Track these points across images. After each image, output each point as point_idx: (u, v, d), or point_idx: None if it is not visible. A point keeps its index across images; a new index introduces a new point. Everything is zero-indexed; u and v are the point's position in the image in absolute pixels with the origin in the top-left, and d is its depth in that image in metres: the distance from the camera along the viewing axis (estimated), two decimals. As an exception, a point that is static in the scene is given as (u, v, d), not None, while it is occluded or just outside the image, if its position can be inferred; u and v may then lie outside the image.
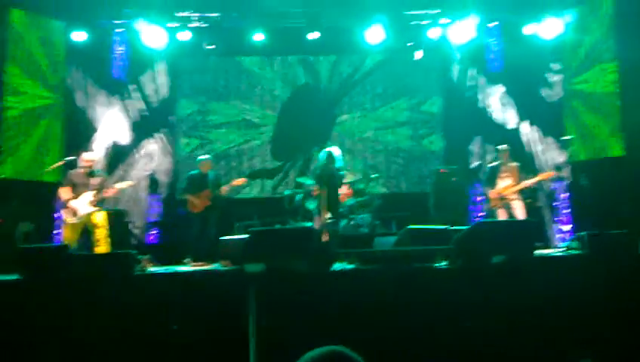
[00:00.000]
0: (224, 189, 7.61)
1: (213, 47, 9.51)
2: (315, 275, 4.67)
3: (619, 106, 8.72)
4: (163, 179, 9.80)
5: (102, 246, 6.84)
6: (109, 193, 7.03)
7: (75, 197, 6.90)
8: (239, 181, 7.86)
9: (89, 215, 6.89)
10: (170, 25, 8.97)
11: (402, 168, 10.68)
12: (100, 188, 6.96)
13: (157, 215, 9.36)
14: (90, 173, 7.07)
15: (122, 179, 8.68)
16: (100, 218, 6.98)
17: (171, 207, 9.46)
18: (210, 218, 7.59)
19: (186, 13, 9.00)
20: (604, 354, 4.35)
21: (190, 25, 9.10)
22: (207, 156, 8.06)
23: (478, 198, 9.25)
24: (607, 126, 8.83)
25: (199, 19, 9.07)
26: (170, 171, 9.96)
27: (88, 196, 6.91)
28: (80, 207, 6.86)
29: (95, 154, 7.77)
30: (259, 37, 9.22)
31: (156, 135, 9.97)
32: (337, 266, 5.03)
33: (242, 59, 10.59)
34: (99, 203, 7.00)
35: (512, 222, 7.04)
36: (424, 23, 9.49)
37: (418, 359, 4.32)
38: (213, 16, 9.11)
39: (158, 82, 10.02)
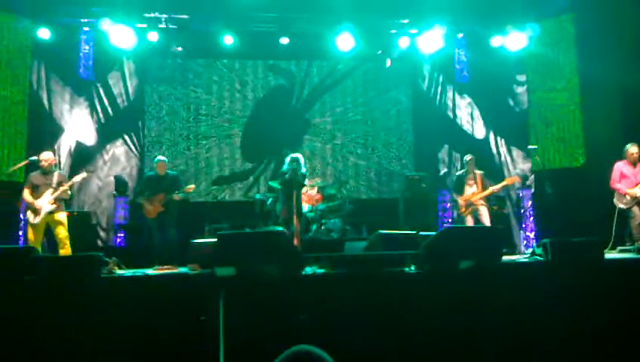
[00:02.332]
0: (176, 197, 7.53)
1: (181, 49, 9.44)
2: (285, 279, 4.65)
3: (580, 119, 9.02)
4: (130, 181, 9.62)
5: (65, 248, 6.74)
6: (65, 188, 6.92)
7: (37, 197, 6.84)
8: (191, 187, 7.79)
9: (51, 213, 6.83)
10: (138, 25, 8.84)
11: (373, 174, 10.76)
12: (58, 185, 6.89)
13: (124, 218, 9.16)
14: (49, 172, 7.00)
15: (86, 180, 8.48)
16: (62, 217, 6.93)
17: (138, 210, 9.29)
18: (166, 223, 7.52)
19: (154, 14, 8.87)
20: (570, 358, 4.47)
21: (159, 25, 8.98)
22: (163, 157, 7.98)
23: (447, 205, 9.39)
24: (570, 137, 9.11)
25: (168, 21, 8.95)
26: (136, 175, 9.79)
27: (48, 194, 6.83)
28: (42, 206, 6.77)
29: (50, 153, 7.56)
30: (229, 40, 9.14)
31: (123, 137, 9.80)
32: (308, 270, 5.02)
33: (212, 62, 10.52)
34: (60, 200, 6.91)
35: (479, 228, 7.17)
36: (393, 32, 9.60)
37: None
38: (182, 18, 9.01)
39: (126, 83, 9.86)
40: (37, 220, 6.74)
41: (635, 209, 7.00)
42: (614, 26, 8.20)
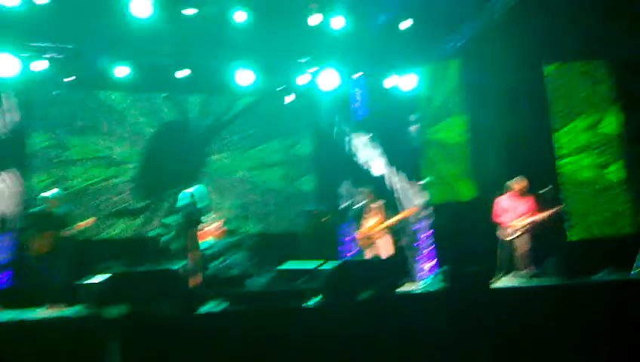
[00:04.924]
0: (67, 233, 7.04)
1: (71, 79, 8.97)
2: (180, 318, 4.44)
3: (469, 155, 9.62)
4: (12, 217, 8.83)
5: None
6: None
7: None
8: (85, 222, 7.33)
9: None
10: (23, 54, 8.30)
11: (274, 209, 10.71)
12: None
13: (8, 255, 8.37)
14: None
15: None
16: None
17: (22, 247, 8.55)
18: (56, 261, 6.98)
19: (41, 43, 8.38)
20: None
21: (46, 55, 8.49)
22: (54, 191, 7.45)
23: (347, 238, 9.52)
24: (460, 172, 9.68)
25: (55, 50, 8.47)
26: (20, 211, 9.01)
27: None
28: None
29: None
30: (122, 71, 8.78)
31: (3, 172, 8.99)
32: (205, 308, 4.83)
33: (104, 94, 10.08)
34: None
35: (375, 260, 7.32)
36: (293, 69, 9.76)
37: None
38: (71, 48, 8.57)
39: (4, 114, 9.12)
40: None
41: (517, 241, 7.47)
42: (496, 72, 8.92)
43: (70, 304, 5.52)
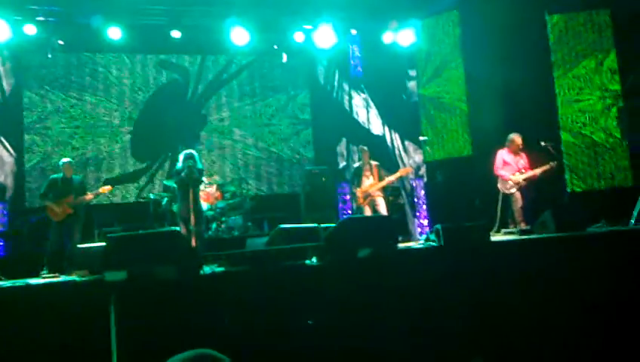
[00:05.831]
0: (88, 197, 7.13)
1: (63, 43, 8.84)
2: (182, 280, 4.49)
3: (466, 111, 9.54)
4: (9, 185, 8.86)
5: None
6: None
7: None
8: (106, 188, 7.47)
9: None
10: (15, 17, 8.14)
11: (273, 169, 10.72)
12: None
13: (2, 224, 8.44)
14: None
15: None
16: None
17: (20, 215, 8.60)
18: (73, 227, 7.08)
19: (32, 6, 8.21)
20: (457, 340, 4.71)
21: (38, 18, 8.33)
22: (69, 159, 7.55)
23: (347, 197, 9.57)
24: (457, 128, 9.61)
25: (47, 13, 8.32)
26: (13, 178, 9.03)
27: None
28: None
29: None
30: (115, 33, 8.61)
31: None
32: (206, 269, 4.88)
33: (98, 57, 9.94)
34: None
35: (375, 217, 7.37)
36: (288, 26, 9.59)
37: (290, 358, 4.32)
38: (63, 10, 8.41)
39: (0, 79, 9.04)
40: None
41: (517, 194, 7.49)
42: (496, 24, 8.74)
43: (68, 271, 5.58)
